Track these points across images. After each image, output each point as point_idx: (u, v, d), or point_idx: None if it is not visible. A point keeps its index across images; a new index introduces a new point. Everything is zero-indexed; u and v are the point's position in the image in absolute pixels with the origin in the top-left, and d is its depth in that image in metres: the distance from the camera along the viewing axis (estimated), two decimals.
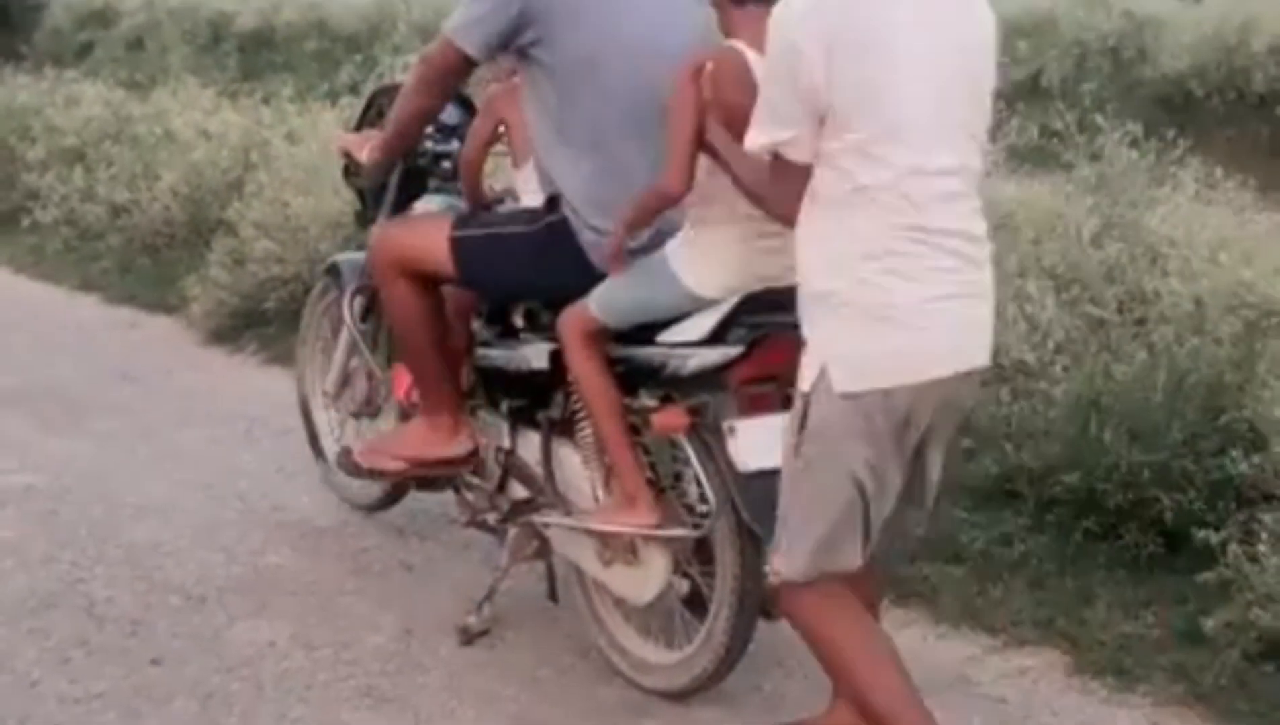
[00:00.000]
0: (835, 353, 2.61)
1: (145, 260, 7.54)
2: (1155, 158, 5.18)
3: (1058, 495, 3.98)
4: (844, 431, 2.61)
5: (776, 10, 2.61)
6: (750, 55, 2.85)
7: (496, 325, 3.62)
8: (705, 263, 3.05)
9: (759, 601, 3.14)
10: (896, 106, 2.54)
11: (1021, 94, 9.57)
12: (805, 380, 2.64)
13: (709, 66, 2.86)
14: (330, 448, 4.42)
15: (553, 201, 3.37)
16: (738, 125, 2.73)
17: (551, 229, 3.33)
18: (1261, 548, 3.36)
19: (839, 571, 2.74)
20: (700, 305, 3.07)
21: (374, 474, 3.48)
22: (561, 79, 3.25)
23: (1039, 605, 3.74)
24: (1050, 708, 3.37)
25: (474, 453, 3.49)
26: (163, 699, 3.38)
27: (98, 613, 3.80)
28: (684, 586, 3.31)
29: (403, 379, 3.90)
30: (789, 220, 2.69)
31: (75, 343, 6.51)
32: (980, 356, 2.71)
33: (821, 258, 2.62)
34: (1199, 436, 3.78)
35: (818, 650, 2.84)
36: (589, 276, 3.23)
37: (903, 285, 2.55)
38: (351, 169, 4.07)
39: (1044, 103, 8.46)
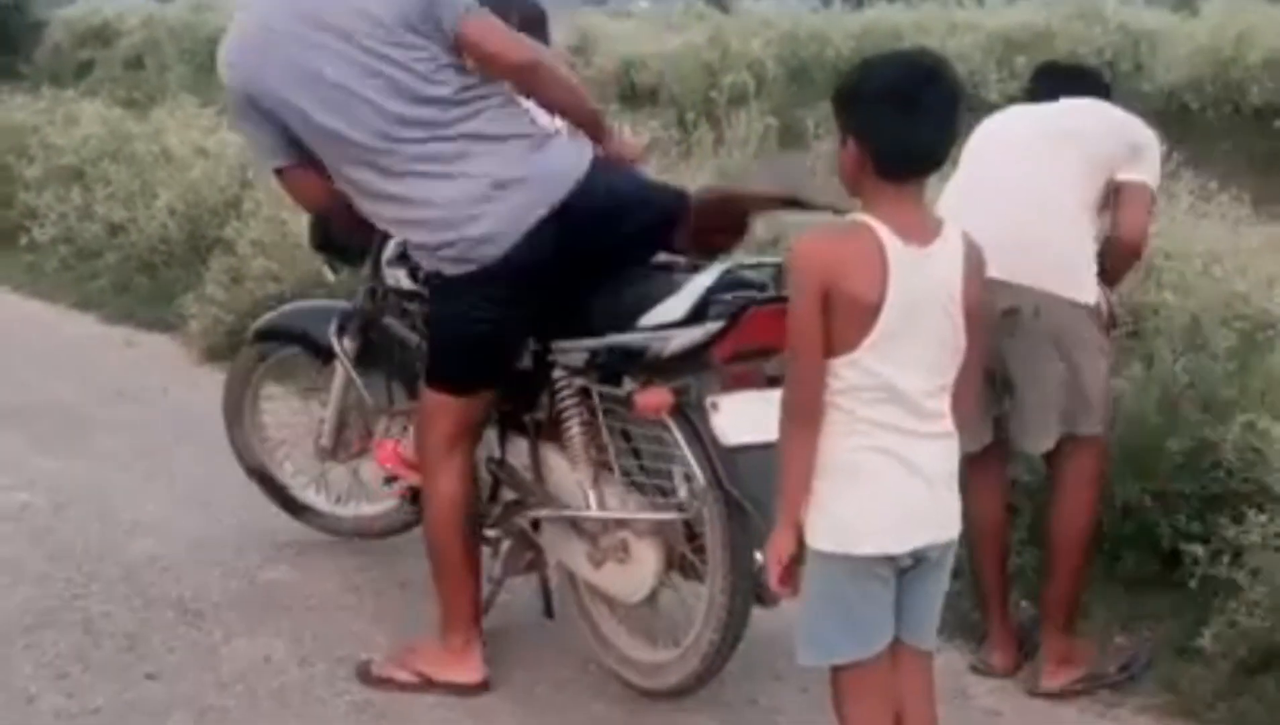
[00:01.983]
0: None
1: (142, 278, 7.55)
2: None
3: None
4: None
5: None
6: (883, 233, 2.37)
7: None
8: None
9: (751, 586, 3.15)
10: None
11: None
12: None
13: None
14: (312, 499, 4.38)
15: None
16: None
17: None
18: (1254, 559, 3.36)
19: None
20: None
21: (384, 683, 3.49)
22: None
23: (1034, 619, 3.74)
24: (1045, 721, 3.38)
25: (483, 684, 3.46)
26: (159, 714, 3.38)
27: (94, 629, 3.80)
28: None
29: (385, 448, 3.92)
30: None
31: (72, 361, 6.51)
32: None
33: None
34: (1194, 450, 3.78)
35: None
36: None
37: None
38: (324, 240, 3.99)
39: None
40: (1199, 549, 3.47)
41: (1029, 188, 3.46)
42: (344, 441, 4.19)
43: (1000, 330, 3.30)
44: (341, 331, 3.98)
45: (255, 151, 3.58)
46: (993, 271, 3.02)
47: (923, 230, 2.39)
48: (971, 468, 3.37)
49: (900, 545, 2.43)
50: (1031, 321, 3.37)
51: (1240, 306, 4.26)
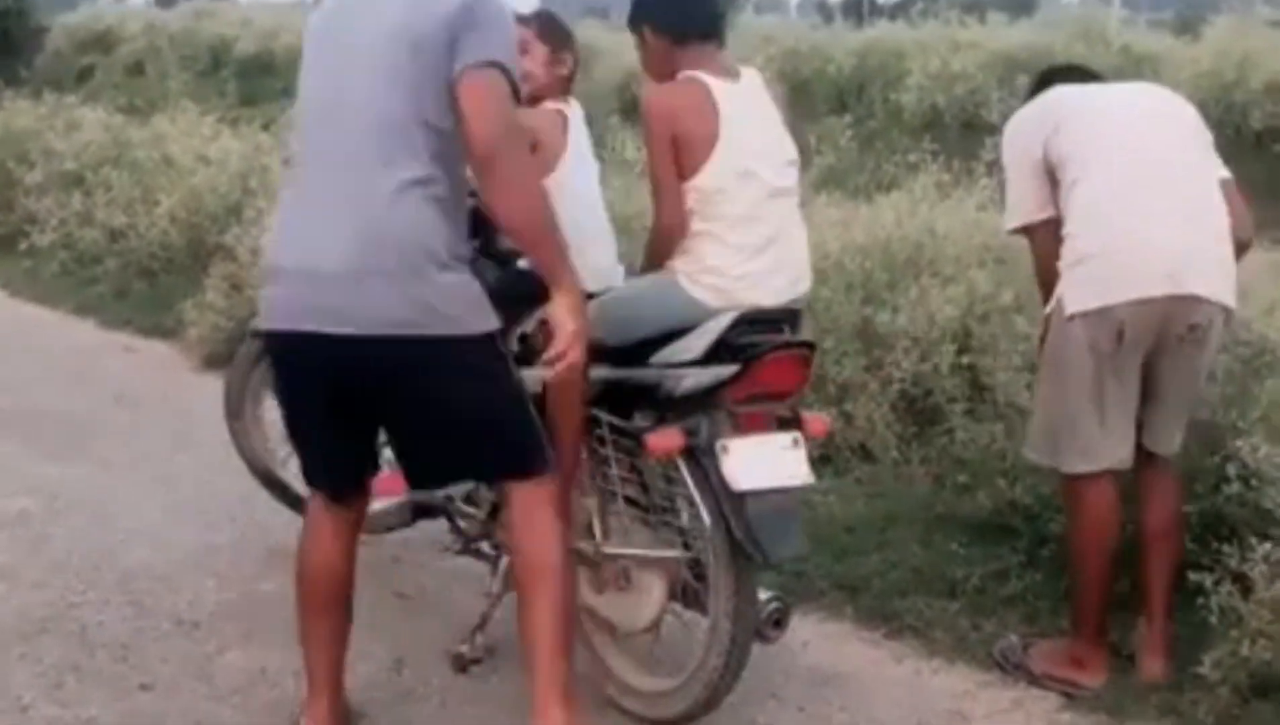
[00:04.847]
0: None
1: (142, 285, 7.55)
2: None
3: (1052, 532, 3.97)
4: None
5: None
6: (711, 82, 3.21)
7: None
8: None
9: (753, 625, 3.14)
10: None
11: None
12: None
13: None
14: None
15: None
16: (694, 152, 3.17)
17: None
18: (1258, 589, 3.35)
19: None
20: (699, 315, 3.17)
21: None
22: None
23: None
24: None
25: None
26: None
27: (89, 638, 3.79)
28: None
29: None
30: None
31: (71, 366, 6.50)
32: None
33: None
34: (1195, 475, 3.78)
35: None
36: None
37: None
38: None
39: None
40: (1206, 579, 3.45)
41: (1203, 188, 3.52)
42: None
43: (1187, 344, 3.41)
44: None
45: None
46: (1198, 288, 3.36)
47: None
48: (1141, 477, 3.57)
49: None
50: (1207, 333, 3.43)
51: (1241, 332, 4.25)
